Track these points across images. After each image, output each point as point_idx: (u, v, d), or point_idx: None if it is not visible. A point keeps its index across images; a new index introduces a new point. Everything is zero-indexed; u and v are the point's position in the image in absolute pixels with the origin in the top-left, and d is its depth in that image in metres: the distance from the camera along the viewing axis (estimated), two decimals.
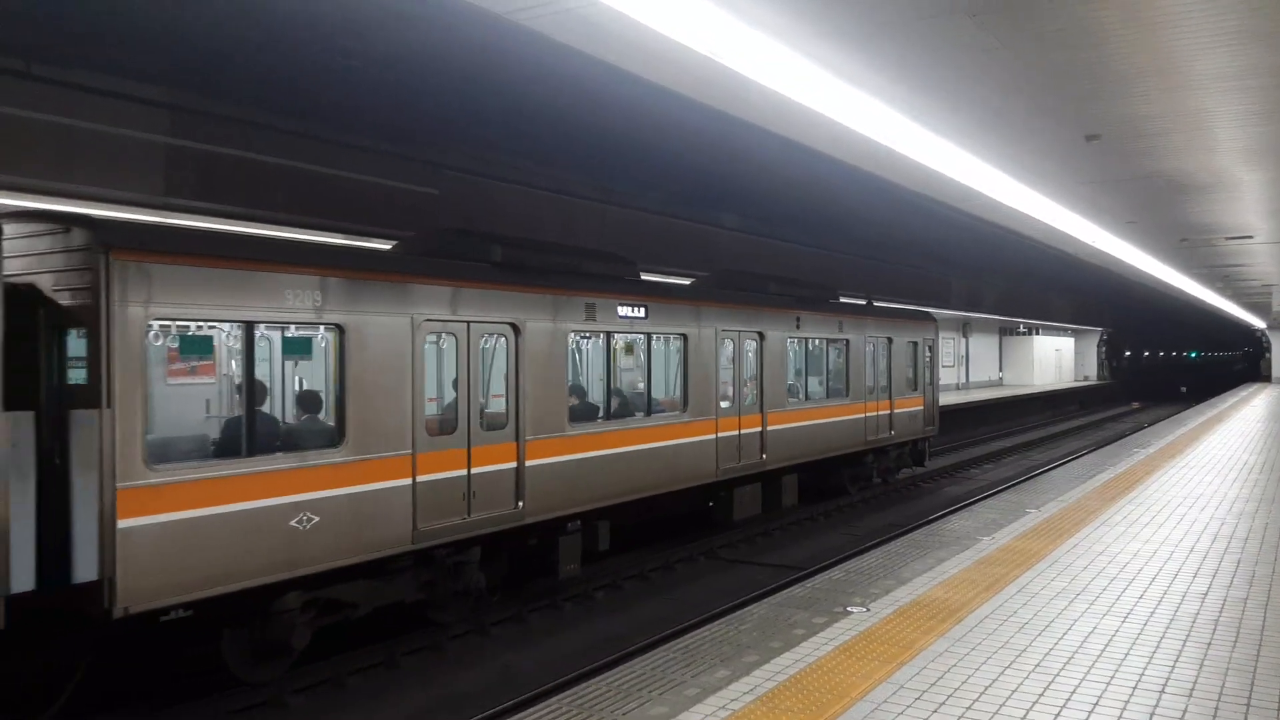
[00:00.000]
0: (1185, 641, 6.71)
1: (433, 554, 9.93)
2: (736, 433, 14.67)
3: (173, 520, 7.46)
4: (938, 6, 6.89)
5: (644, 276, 14.03)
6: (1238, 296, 37.87)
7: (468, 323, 10.19)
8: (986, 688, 5.85)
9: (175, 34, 9.66)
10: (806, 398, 17.21)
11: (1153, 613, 7.41)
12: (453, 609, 10.54)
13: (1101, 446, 27.00)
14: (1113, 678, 6.00)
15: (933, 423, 22.18)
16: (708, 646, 7.94)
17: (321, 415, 9.13)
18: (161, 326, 7.58)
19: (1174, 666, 6.20)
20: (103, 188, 10.61)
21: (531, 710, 6.92)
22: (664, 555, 13.91)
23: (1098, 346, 64.97)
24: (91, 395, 7.10)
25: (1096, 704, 5.56)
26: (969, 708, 5.53)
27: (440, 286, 9.90)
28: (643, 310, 12.81)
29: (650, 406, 13.20)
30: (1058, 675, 6.06)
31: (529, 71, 10.49)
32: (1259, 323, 55.32)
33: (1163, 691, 5.75)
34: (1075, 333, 61.71)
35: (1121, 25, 7.30)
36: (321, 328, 8.79)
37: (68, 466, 7.00)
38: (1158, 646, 6.60)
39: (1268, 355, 59.96)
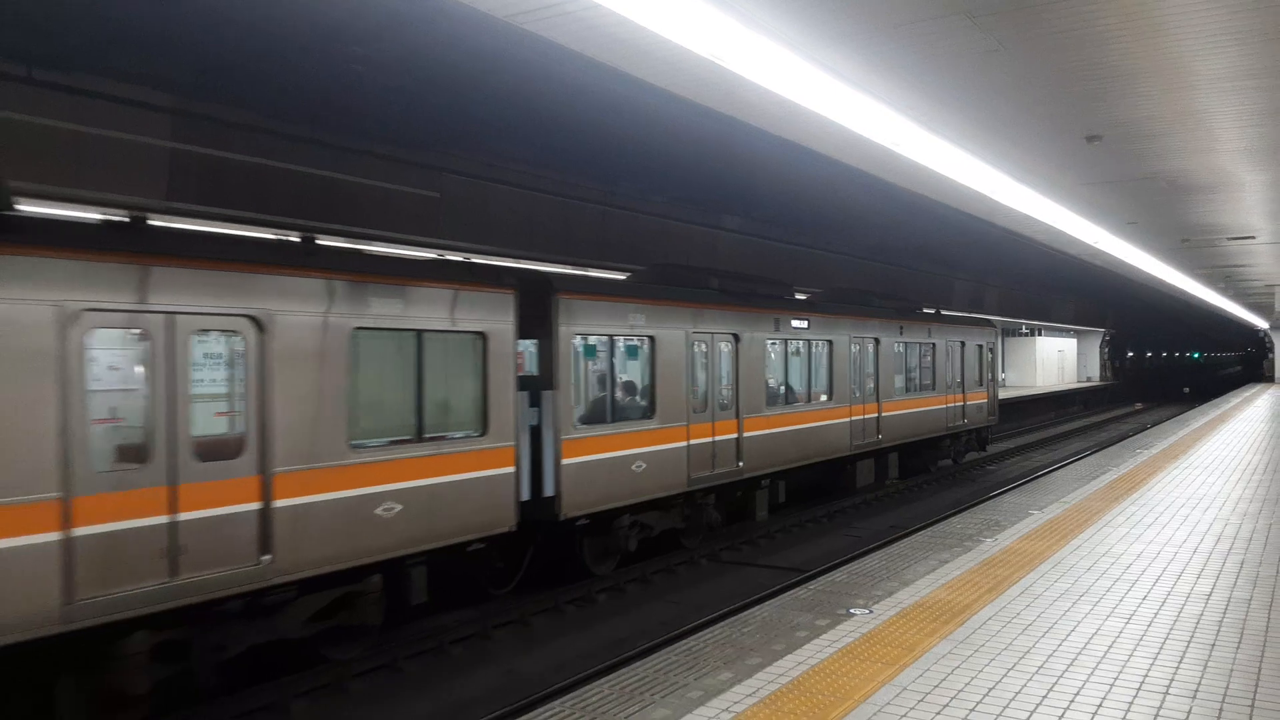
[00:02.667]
0: (1189, 643, 6.70)
1: (693, 495, 14.09)
2: (861, 418, 18.85)
3: (583, 461, 11.85)
4: (937, 9, 6.89)
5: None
6: (1240, 297, 37.83)
7: (711, 334, 14.37)
8: (990, 690, 5.84)
9: (180, 40, 9.68)
10: (906, 391, 21.04)
11: (1156, 614, 7.40)
12: (698, 537, 14.72)
13: (1104, 447, 26.97)
14: (1116, 679, 5.99)
15: (994, 413, 26.52)
16: (711, 649, 7.95)
17: (638, 397, 13.27)
18: (584, 340, 12.25)
19: (1178, 668, 6.19)
20: (109, 193, 10.64)
21: (534, 713, 6.92)
22: (666, 559, 13.91)
23: (1100, 347, 64.93)
24: (549, 381, 11.52)
25: (1100, 705, 5.56)
26: (972, 710, 5.52)
27: (698, 308, 14.10)
28: (806, 322, 17.01)
29: (810, 396, 17.31)
30: (1061, 677, 6.05)
31: (530, 75, 10.51)
32: (1261, 323, 55.25)
33: (1167, 693, 5.74)
34: (1078, 333, 61.70)
35: (1122, 26, 7.30)
36: (644, 338, 13.08)
37: (540, 425, 11.52)
38: (1161, 648, 6.59)
39: (1270, 356, 59.86)
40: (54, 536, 6.93)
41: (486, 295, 10.54)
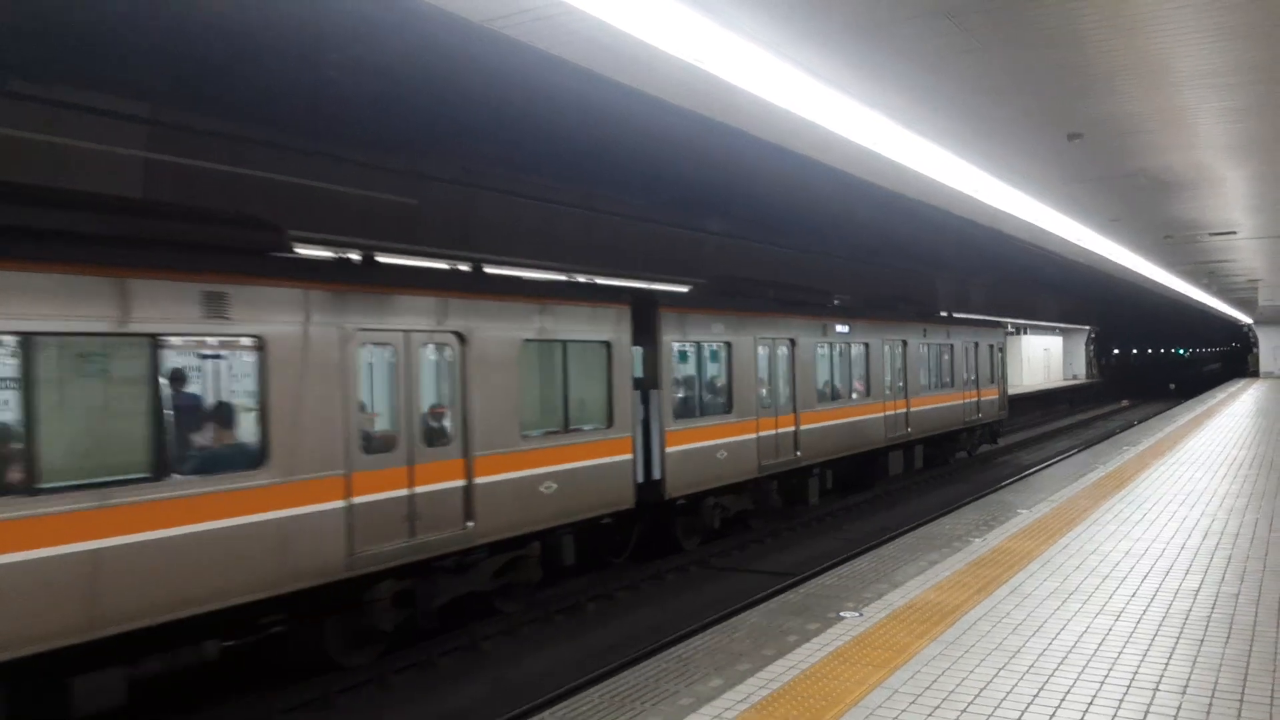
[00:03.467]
0: (1178, 639, 6.69)
1: (760, 481, 16.01)
2: (893, 413, 20.69)
3: (681, 449, 13.76)
4: (917, 8, 6.87)
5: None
6: (1223, 293, 38.03)
7: (773, 339, 16.36)
8: (981, 690, 5.81)
9: (156, 48, 9.60)
10: (929, 388, 22.89)
11: (1145, 611, 7.40)
12: (766, 517, 17.00)
13: (1091, 445, 27.06)
14: (1107, 677, 5.97)
15: (1004, 408, 28.61)
16: (701, 655, 7.90)
17: (719, 395, 15.13)
18: (679, 346, 14.19)
19: (1167, 664, 6.18)
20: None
21: None
22: (656, 565, 13.86)
23: (1086, 345, 65.24)
24: (654, 381, 13.51)
25: (1091, 703, 5.54)
26: (964, 710, 5.49)
27: (763, 316, 16.24)
28: (848, 328, 18.88)
29: (851, 393, 19.09)
30: (1052, 675, 6.03)
31: (507, 79, 10.47)
32: (1245, 318, 55.60)
33: (1157, 689, 5.73)
34: (1063, 331, 61.97)
35: (1101, 24, 7.30)
36: (723, 344, 15.05)
37: (649, 419, 13.40)
38: (1151, 644, 6.58)
39: (1255, 350, 60.22)
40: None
41: (610, 310, 12.76)
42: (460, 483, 10.16)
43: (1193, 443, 19.67)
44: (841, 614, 7.63)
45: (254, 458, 8.36)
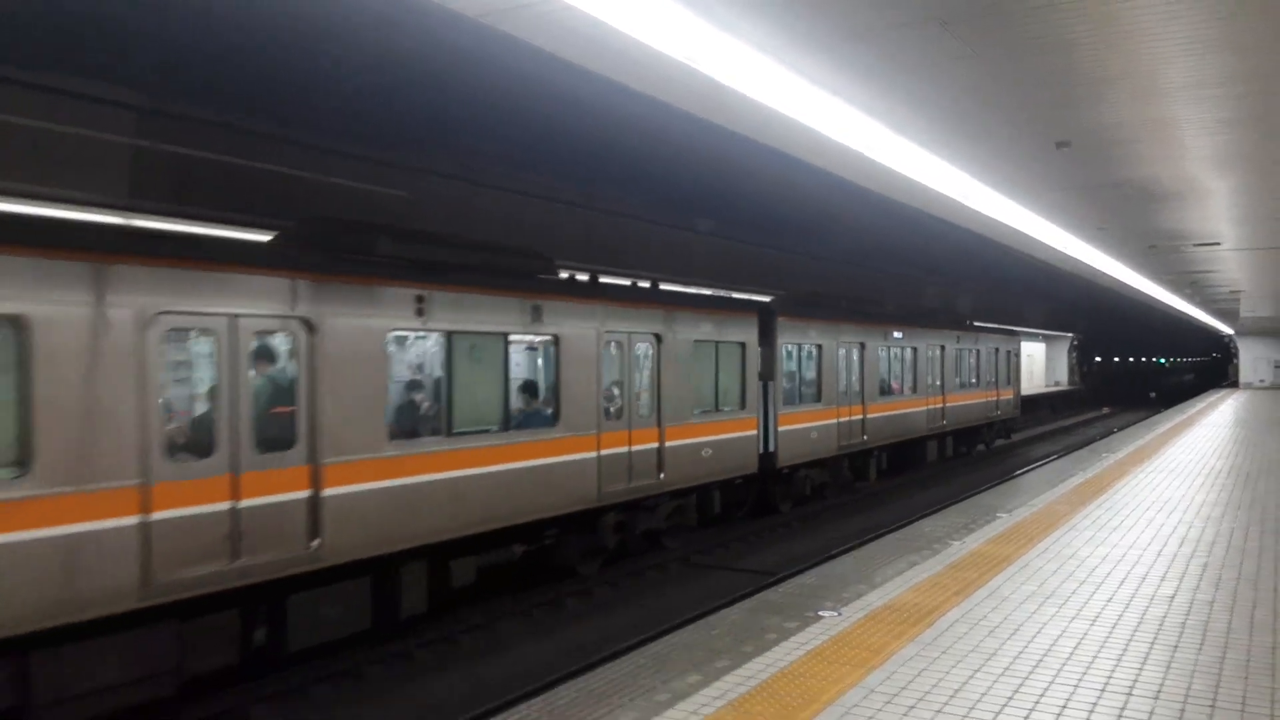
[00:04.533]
0: (1152, 644, 6.76)
1: (838, 459, 19.45)
2: (933, 407, 24.10)
3: (788, 429, 17.00)
4: (910, 14, 6.91)
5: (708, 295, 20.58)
6: (1206, 303, 38.31)
7: (849, 342, 19.67)
8: (956, 691, 5.86)
9: (153, 39, 9.55)
10: (961, 387, 26.34)
11: (1121, 616, 7.47)
12: (840, 490, 19.99)
13: (1072, 451, 27.21)
14: (1081, 680, 6.03)
15: (1018, 407, 32.46)
16: (679, 652, 7.92)
17: (812, 387, 18.35)
18: (786, 347, 17.39)
19: (1141, 669, 6.24)
20: (74, 190, 10.47)
21: (501, 717, 6.88)
22: (637, 562, 13.88)
23: (1068, 352, 65.56)
24: (770, 374, 16.58)
25: (1065, 706, 5.59)
26: (939, 711, 5.54)
27: (841, 323, 19.42)
28: (901, 334, 22.35)
29: (902, 389, 22.52)
30: (1027, 678, 6.09)
31: (503, 75, 10.46)
32: (1227, 329, 56.02)
33: (1130, 694, 5.79)
34: (1046, 338, 62.24)
35: (1090, 34, 7.36)
36: (815, 346, 18.45)
37: (767, 404, 16.44)
38: (1125, 649, 6.65)
39: (1235, 361, 60.68)
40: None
41: (745, 317, 16.19)
42: (655, 445, 13.54)
43: (1171, 451, 19.82)
44: (821, 613, 7.68)
45: (551, 419, 11.81)
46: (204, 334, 8.23)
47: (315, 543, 8.82)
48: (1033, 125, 10.16)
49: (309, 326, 8.88)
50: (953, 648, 6.71)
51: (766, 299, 19.34)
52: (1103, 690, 5.86)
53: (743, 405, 15.73)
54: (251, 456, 8.36)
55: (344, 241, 9.86)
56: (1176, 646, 6.71)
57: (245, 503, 8.26)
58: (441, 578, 10.50)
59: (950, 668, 6.29)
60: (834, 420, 18.86)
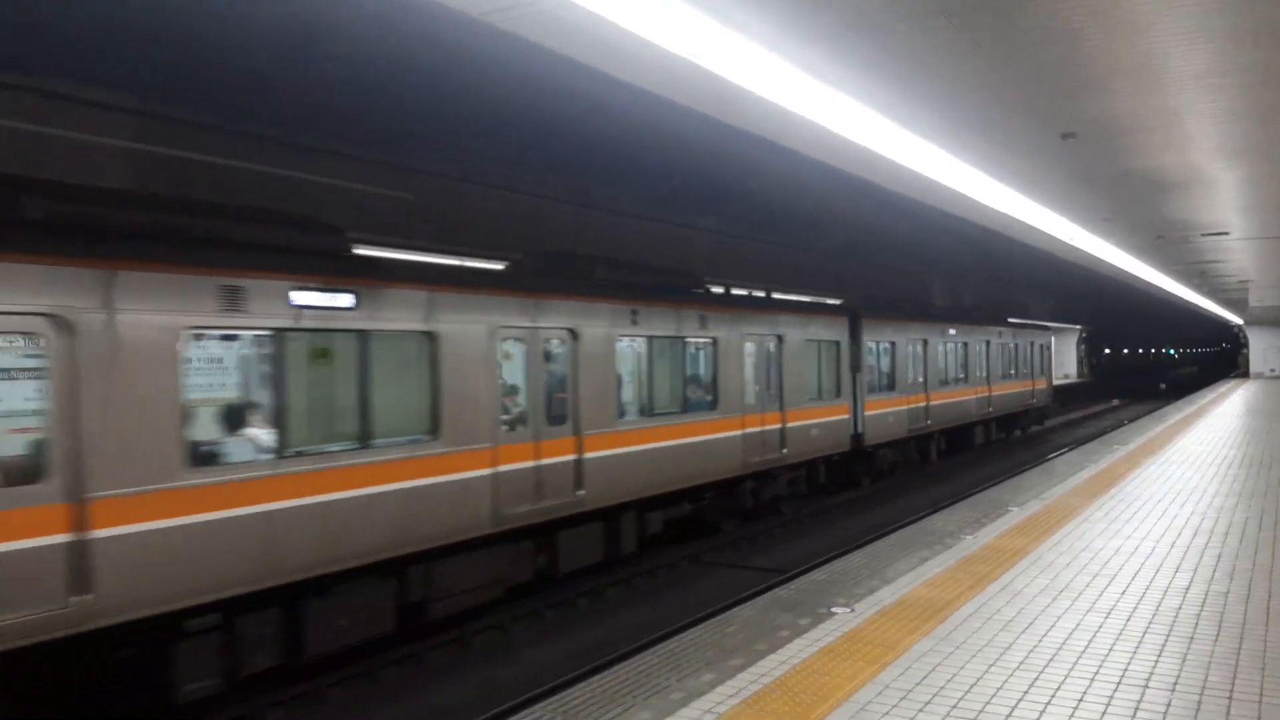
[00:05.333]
0: (1168, 636, 6.73)
1: (908, 440, 22.31)
2: (982, 395, 27.28)
3: (872, 414, 19.92)
4: (915, 8, 6.89)
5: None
6: (1214, 293, 38.17)
7: (915, 339, 22.56)
8: (971, 686, 5.84)
9: (147, 40, 9.55)
10: (1003, 378, 29.18)
11: (1135, 608, 7.43)
12: (909, 469, 22.82)
13: (1082, 444, 27.12)
14: (1096, 674, 6.00)
15: (1051, 397, 36.11)
16: (692, 651, 7.89)
17: (887, 378, 21.28)
18: (869, 344, 19.95)
19: (1157, 661, 6.21)
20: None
21: (515, 718, 6.86)
22: (649, 561, 13.86)
23: (1077, 344, 65.35)
24: (857, 367, 19.35)
25: (1081, 700, 5.57)
26: (954, 707, 5.51)
27: (908, 323, 22.30)
28: (955, 330, 25.36)
29: (955, 380, 25.37)
30: (1042, 672, 6.06)
31: (505, 74, 10.45)
32: (1236, 319, 55.77)
33: (1146, 686, 5.76)
34: (1055, 331, 62.03)
35: (1095, 25, 7.33)
36: (890, 343, 21.16)
37: (856, 392, 19.36)
38: (1140, 642, 6.61)
39: (1245, 351, 60.40)
40: (738, 433, 15.35)
41: (839, 320, 19.34)
42: (778, 426, 16.37)
43: (1183, 442, 19.74)
44: (833, 610, 7.66)
45: (712, 404, 14.70)
46: (519, 342, 11.19)
47: (580, 492, 11.75)
48: (1038, 117, 10.13)
49: (574, 335, 11.87)
50: (967, 642, 6.68)
51: (839, 302, 22.79)
52: (1119, 683, 5.83)
53: (839, 394, 18.92)
54: (546, 429, 11.31)
55: (582, 269, 12.97)
56: (1192, 638, 6.67)
57: (544, 461, 11.17)
58: (642, 526, 13.30)
59: (965, 662, 6.26)
60: (905, 407, 21.88)
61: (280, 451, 8.41)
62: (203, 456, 7.98)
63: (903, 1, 6.77)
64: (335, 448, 9.00)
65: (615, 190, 18.18)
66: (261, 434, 8.43)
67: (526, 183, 16.44)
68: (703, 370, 14.98)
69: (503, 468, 10.60)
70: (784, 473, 17.08)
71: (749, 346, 15.78)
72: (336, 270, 9.09)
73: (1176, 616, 7.20)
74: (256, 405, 8.58)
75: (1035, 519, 11.32)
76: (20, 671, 7.07)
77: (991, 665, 6.21)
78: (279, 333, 8.51)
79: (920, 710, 5.47)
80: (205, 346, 8.36)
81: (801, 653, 6.56)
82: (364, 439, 9.12)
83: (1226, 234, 19.74)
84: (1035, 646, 6.57)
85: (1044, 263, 27.31)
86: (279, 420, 8.47)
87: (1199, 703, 5.49)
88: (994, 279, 39.24)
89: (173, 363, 7.73)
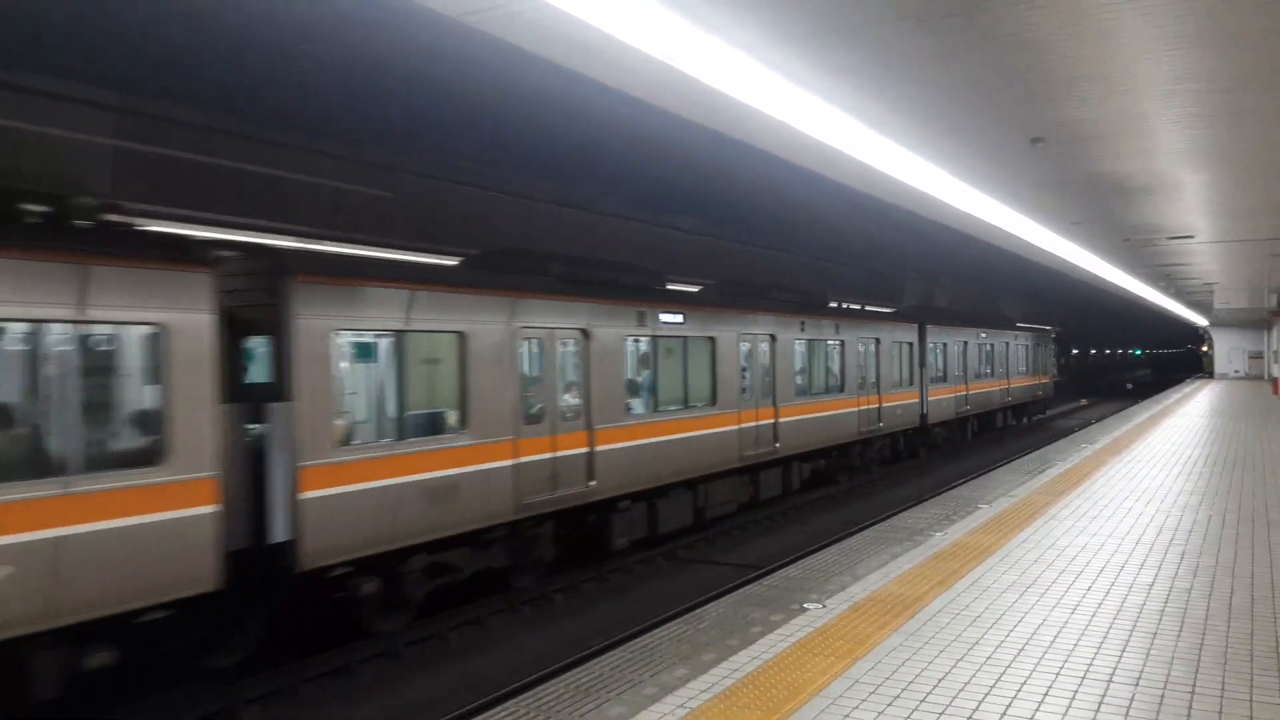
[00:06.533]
0: (1132, 632, 6.87)
1: (954, 422, 28.75)
2: (1003, 388, 33.50)
3: (933, 399, 26.63)
4: (885, 12, 6.98)
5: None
6: (1180, 295, 38.66)
7: (961, 340, 28.92)
8: (940, 680, 5.95)
9: (128, 38, 9.50)
10: (1019, 373, 35.69)
11: (1100, 604, 7.58)
12: (953, 444, 29.03)
13: (1050, 443, 27.45)
14: (1062, 668, 6.13)
15: (1052, 389, 43.22)
16: (666, 646, 7.98)
17: (941, 371, 27.26)
18: (930, 344, 26.56)
19: (1121, 656, 6.34)
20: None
21: (491, 713, 6.92)
22: (622, 558, 13.92)
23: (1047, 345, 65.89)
24: (922, 362, 26.07)
25: (1046, 694, 5.68)
26: (923, 700, 5.62)
27: (950, 327, 27.93)
28: (985, 334, 31.27)
29: (984, 374, 31.29)
30: (1009, 667, 6.18)
31: (482, 74, 10.47)
32: (1202, 320, 56.55)
33: (1110, 680, 5.89)
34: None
35: (1063, 31, 7.44)
36: (942, 343, 27.45)
37: (922, 383, 26.06)
38: (1105, 637, 6.75)
39: (1209, 352, 61.23)
40: (855, 410, 21.30)
41: (911, 326, 25.07)
42: (877, 405, 22.27)
43: (1148, 441, 20.05)
44: (805, 605, 7.76)
45: (839, 389, 20.57)
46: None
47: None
48: (1007, 121, 10.24)
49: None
50: (936, 637, 6.80)
51: (887, 310, 28.19)
52: (1083, 677, 5.95)
53: (912, 382, 24.85)
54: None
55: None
56: (1156, 634, 6.82)
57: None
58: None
59: (933, 657, 6.37)
60: (953, 395, 27.94)
61: (655, 407, 14.23)
62: (630, 407, 13.54)
63: (875, 5, 6.86)
64: (675, 407, 14.74)
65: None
66: (638, 400, 14.05)
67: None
68: (835, 363, 20.64)
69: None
70: (879, 440, 23.16)
71: (859, 346, 21.73)
72: (671, 299, 15.24)
73: (1141, 612, 7.35)
74: (640, 380, 14.24)
75: (1004, 516, 11.49)
76: None
77: (959, 660, 6.32)
78: (654, 339, 14.34)
79: (890, 704, 5.57)
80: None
81: (774, 648, 6.65)
82: (687, 402, 15.09)
83: (1192, 237, 20.02)
84: (1002, 642, 6.69)
85: (1014, 265, 27.60)
86: (653, 388, 14.36)
87: (1162, 697, 5.62)
88: (969, 280, 39.61)
89: (620, 354, 13.40)
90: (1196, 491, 13.03)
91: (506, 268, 12.33)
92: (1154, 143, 11.40)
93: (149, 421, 7.89)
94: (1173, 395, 40.82)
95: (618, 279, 14.05)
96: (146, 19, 9.01)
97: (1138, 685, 5.81)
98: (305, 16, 9.02)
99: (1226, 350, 55.94)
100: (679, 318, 14.88)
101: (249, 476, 8.82)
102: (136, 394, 7.99)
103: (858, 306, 25.44)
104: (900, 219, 18.18)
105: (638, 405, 13.91)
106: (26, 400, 7.26)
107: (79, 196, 7.95)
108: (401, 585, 10.04)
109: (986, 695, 5.69)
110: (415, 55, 10.03)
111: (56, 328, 7.27)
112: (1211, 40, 7.73)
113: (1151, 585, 8.13)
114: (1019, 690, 5.76)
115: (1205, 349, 62.88)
